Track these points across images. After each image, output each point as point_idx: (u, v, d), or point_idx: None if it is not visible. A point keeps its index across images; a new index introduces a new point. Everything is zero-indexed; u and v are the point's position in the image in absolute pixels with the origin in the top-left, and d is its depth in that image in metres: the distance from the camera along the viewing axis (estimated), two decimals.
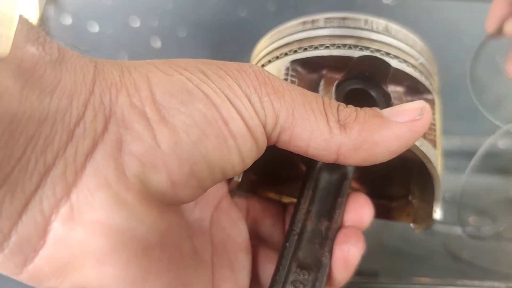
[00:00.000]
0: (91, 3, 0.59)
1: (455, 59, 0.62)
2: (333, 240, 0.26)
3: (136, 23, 0.59)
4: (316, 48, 0.26)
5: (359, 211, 0.28)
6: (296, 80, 0.26)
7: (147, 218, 0.19)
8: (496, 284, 0.37)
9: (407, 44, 0.26)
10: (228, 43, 0.59)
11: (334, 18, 0.26)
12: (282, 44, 0.27)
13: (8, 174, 0.17)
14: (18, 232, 0.17)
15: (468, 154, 0.41)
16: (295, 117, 0.21)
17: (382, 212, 0.30)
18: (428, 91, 0.27)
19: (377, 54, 0.25)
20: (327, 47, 0.26)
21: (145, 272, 0.19)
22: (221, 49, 0.59)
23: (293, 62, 0.26)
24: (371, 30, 0.26)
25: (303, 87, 0.23)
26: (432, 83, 0.27)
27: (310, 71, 0.26)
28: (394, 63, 0.25)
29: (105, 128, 0.19)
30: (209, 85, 0.20)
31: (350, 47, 0.25)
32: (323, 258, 0.26)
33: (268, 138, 0.21)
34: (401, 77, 0.26)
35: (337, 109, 0.22)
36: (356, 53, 0.25)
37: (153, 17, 0.59)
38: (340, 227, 0.27)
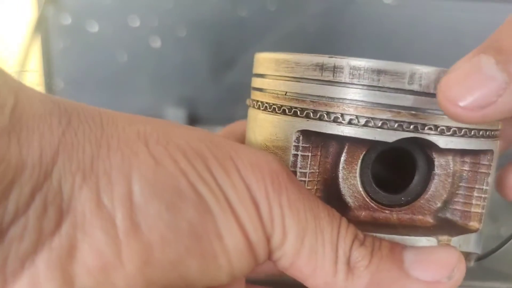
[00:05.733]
0: (91, 2, 0.58)
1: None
2: None
3: (135, 23, 0.59)
4: (336, 119, 0.19)
5: None
6: (309, 154, 0.20)
7: None
8: (497, 284, 0.36)
9: None
10: (228, 42, 0.59)
11: (365, 70, 0.19)
12: (293, 91, 0.20)
13: None
14: None
15: None
16: (304, 245, 0.17)
17: None
18: (483, 151, 0.22)
19: (422, 134, 0.19)
20: (351, 120, 0.19)
21: None
22: (221, 49, 0.59)
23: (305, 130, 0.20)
24: (418, 92, 0.19)
25: (319, 162, 0.20)
26: (493, 132, 0.22)
27: (327, 140, 0.20)
28: (443, 142, 0.20)
29: (58, 227, 0.14)
30: (208, 183, 0.16)
31: (384, 123, 0.19)
32: None
33: (269, 254, 0.17)
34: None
35: (351, 246, 0.18)
36: (392, 136, 0.19)
37: (153, 16, 0.59)
38: None
